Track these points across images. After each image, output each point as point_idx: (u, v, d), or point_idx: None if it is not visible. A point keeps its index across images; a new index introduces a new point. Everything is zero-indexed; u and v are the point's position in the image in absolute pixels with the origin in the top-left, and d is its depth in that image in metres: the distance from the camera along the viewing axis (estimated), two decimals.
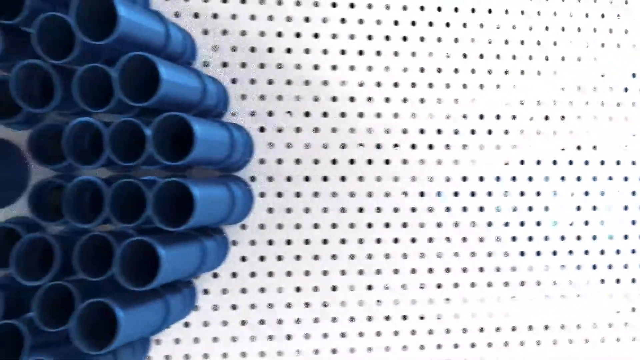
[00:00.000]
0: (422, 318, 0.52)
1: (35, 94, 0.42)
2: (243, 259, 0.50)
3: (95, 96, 0.39)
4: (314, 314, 0.51)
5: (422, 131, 0.52)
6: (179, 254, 0.37)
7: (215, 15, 0.50)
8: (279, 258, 0.50)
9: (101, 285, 0.41)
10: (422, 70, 0.52)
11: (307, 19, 0.51)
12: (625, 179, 0.55)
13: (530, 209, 0.54)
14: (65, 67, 0.41)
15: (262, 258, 0.50)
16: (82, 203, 0.43)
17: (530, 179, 0.54)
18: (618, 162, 0.55)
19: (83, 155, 0.43)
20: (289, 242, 0.50)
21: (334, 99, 0.51)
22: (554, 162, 0.54)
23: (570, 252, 0.54)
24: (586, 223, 0.54)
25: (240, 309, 0.50)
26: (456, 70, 0.53)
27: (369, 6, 0.52)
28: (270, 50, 0.50)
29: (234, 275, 0.50)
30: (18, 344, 0.40)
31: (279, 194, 0.50)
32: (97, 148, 0.44)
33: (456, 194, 0.53)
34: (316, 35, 0.51)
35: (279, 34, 0.50)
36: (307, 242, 0.51)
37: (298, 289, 0.51)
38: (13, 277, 0.45)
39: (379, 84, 0.52)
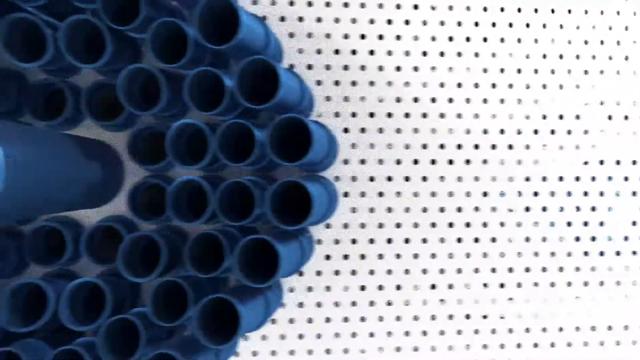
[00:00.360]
0: (485, 317, 0.52)
1: (136, 97, 0.44)
2: (327, 257, 0.51)
3: (201, 98, 0.41)
4: (396, 312, 0.51)
5: (502, 131, 0.52)
6: (289, 251, 0.38)
7: (300, 19, 0.51)
8: (362, 257, 0.51)
9: (203, 282, 0.43)
10: (501, 70, 0.53)
11: (389, 22, 0.52)
12: None
13: (609, 209, 0.54)
14: (167, 71, 0.43)
15: (345, 257, 0.51)
16: (181, 202, 0.44)
17: (609, 178, 0.54)
18: None
19: (181, 155, 0.44)
20: (371, 241, 0.51)
21: (416, 99, 0.52)
22: (634, 162, 0.54)
23: None
24: None
25: (324, 307, 0.51)
26: (536, 71, 0.53)
27: (450, 8, 0.52)
28: (353, 52, 0.51)
29: (318, 273, 0.51)
30: (126, 338, 0.41)
31: (362, 194, 0.51)
32: (193, 148, 0.45)
33: (536, 194, 0.53)
34: (398, 37, 0.52)
35: (362, 36, 0.51)
36: (389, 241, 0.51)
37: (380, 287, 0.51)
38: (113, 274, 0.47)
39: (459, 85, 0.52)
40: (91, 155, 0.45)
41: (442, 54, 0.52)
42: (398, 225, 0.51)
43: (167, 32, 0.39)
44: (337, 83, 0.51)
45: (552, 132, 0.53)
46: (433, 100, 0.52)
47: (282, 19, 0.50)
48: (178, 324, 0.40)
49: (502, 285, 0.52)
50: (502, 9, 0.53)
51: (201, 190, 0.43)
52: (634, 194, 0.54)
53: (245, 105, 0.36)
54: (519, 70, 0.53)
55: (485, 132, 0.52)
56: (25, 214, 0.44)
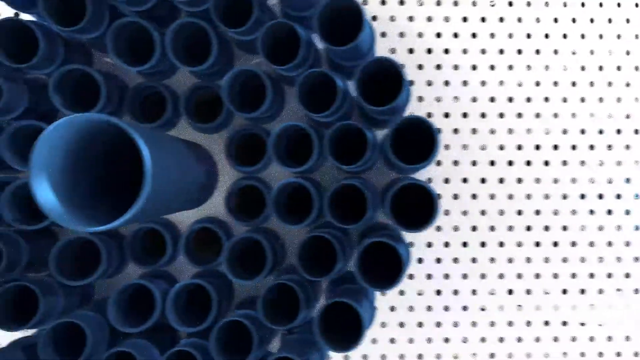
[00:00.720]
0: (564, 324, 0.50)
1: (236, 99, 0.44)
2: (420, 260, 0.50)
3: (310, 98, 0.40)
4: (490, 318, 0.50)
5: (600, 132, 0.50)
6: (405, 254, 0.37)
7: (392, 18, 0.50)
8: (455, 260, 0.50)
9: (304, 283, 0.42)
10: (600, 68, 0.51)
11: (483, 19, 0.50)
12: None
13: None
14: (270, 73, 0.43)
15: (438, 260, 0.50)
16: (281, 204, 0.44)
17: None
18: None
19: (281, 157, 0.44)
20: (464, 244, 0.50)
21: (510, 99, 0.50)
22: None
23: None
24: None
25: (416, 311, 0.50)
26: (637, 68, 0.51)
27: (546, 4, 0.50)
28: (446, 51, 0.50)
29: (410, 277, 0.50)
30: (230, 340, 0.42)
31: (455, 196, 0.50)
32: (290, 150, 0.45)
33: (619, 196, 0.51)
34: (492, 35, 0.50)
35: (455, 35, 0.50)
36: (483, 244, 0.50)
37: (474, 292, 0.50)
38: (209, 275, 0.47)
39: (556, 84, 0.50)
40: (198, 157, 0.45)
41: (537, 51, 0.50)
42: (492, 229, 0.50)
43: (275, 33, 0.39)
44: (429, 83, 0.50)
45: None
46: (528, 100, 0.50)
47: (374, 18, 0.50)
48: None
49: (582, 292, 0.50)
50: (636, 5, 0.50)
51: (301, 192, 0.43)
52: None
53: (368, 107, 0.36)
54: (618, 68, 0.51)
55: (582, 132, 0.50)
56: (152, 217, 0.45)
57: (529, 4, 0.50)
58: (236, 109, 0.43)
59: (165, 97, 0.46)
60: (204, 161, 0.46)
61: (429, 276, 0.50)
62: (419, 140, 0.39)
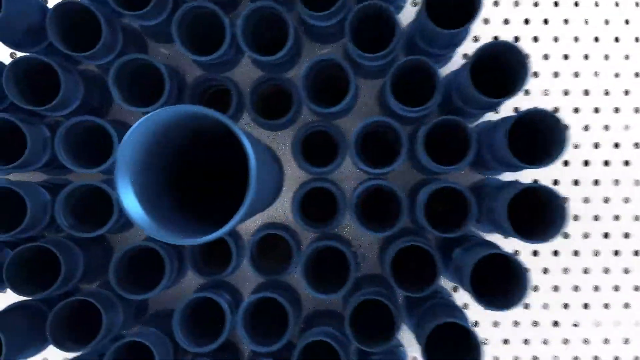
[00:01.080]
0: None
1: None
2: (545, 271, 0.43)
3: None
4: (625, 335, 0.42)
5: None
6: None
7: (495, 3, 0.46)
8: (585, 271, 0.43)
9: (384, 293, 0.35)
10: None
11: (576, 4, 0.46)
12: None
13: None
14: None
15: (565, 270, 0.43)
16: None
17: None
18: None
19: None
20: (596, 252, 0.43)
21: (607, 92, 0.45)
22: None
23: None
24: None
25: (541, 326, 0.43)
26: None
27: None
28: (535, 39, 0.45)
29: (535, 288, 0.43)
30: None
31: (586, 200, 0.44)
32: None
33: None
34: (586, 22, 0.46)
35: (545, 21, 0.45)
36: (616, 253, 0.43)
37: (606, 306, 0.43)
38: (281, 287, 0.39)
39: None
40: (273, 158, 0.39)
41: (637, 39, 0.46)
42: (626, 236, 0.43)
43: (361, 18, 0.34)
44: (555, 75, 0.45)
45: None
46: (606, 92, 0.45)
47: None
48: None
49: None
50: None
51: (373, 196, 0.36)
52: None
53: (484, 100, 0.30)
54: None
55: None
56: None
57: None
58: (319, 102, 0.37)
59: (231, 90, 0.40)
60: (277, 162, 0.40)
61: (556, 288, 0.43)
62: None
